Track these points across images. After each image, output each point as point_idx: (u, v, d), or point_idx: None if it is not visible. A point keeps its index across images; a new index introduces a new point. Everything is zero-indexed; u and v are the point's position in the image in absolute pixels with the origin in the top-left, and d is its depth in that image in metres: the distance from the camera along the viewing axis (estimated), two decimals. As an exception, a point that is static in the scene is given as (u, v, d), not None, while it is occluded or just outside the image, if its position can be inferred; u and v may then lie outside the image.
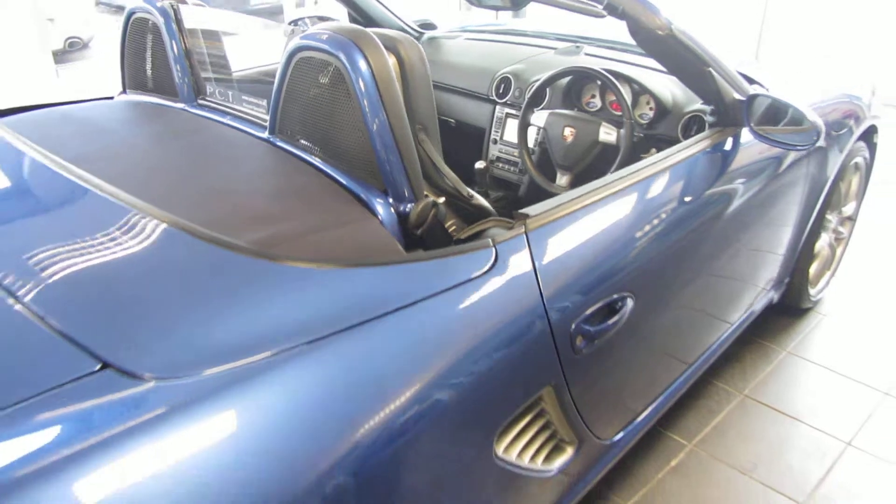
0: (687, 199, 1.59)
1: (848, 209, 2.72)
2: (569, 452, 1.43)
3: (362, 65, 1.26)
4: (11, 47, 4.11)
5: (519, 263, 1.22)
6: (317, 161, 1.41)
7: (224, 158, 1.48)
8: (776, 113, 1.76)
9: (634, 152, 2.01)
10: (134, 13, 1.82)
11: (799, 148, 1.73)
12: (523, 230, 1.27)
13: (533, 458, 1.31)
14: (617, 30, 2.59)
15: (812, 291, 2.66)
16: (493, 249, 1.21)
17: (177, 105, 1.78)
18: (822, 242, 2.61)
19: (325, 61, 1.33)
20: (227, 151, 1.50)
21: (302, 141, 1.46)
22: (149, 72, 1.87)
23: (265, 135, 1.53)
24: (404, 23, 2.81)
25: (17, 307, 0.97)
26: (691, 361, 1.93)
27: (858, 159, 2.56)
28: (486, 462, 1.16)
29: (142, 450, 0.79)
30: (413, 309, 1.06)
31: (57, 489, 0.73)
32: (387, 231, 1.26)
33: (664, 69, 1.85)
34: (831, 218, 2.60)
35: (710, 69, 1.75)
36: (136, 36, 1.85)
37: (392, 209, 1.31)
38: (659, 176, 1.56)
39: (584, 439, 1.46)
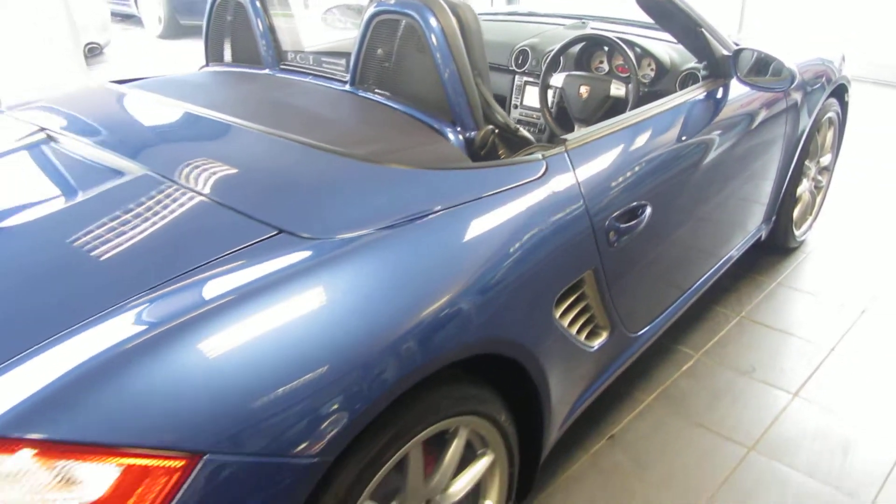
0: (688, 132, 1.95)
1: (825, 160, 3.08)
2: (604, 336, 1.77)
3: (434, 23, 1.60)
4: (49, 50, 4.41)
5: (563, 172, 1.56)
6: (393, 103, 1.75)
7: (321, 103, 1.81)
8: (758, 64, 2.12)
9: (640, 105, 2.36)
10: None
11: (778, 89, 2.09)
12: (564, 149, 1.61)
13: (578, 332, 1.65)
14: (614, 9, 2.97)
15: (797, 232, 3.02)
16: (544, 162, 1.55)
17: (263, 71, 2.11)
18: (803, 188, 2.96)
19: (401, 22, 1.67)
20: (321, 98, 1.84)
21: (377, 90, 1.80)
22: (233, 46, 2.21)
23: (346, 87, 1.86)
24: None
25: (215, 201, 1.31)
26: (698, 276, 2.28)
27: (831, 114, 2.92)
28: (547, 319, 1.49)
29: (309, 282, 1.12)
30: (486, 200, 1.40)
31: (246, 311, 1.05)
32: (458, 148, 1.60)
33: (663, 30, 2.21)
34: (811, 166, 2.95)
35: (702, 29, 2.11)
36: (221, 16, 2.18)
37: (460, 135, 1.64)
38: (666, 114, 1.92)
39: (616, 327, 1.80)
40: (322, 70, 2.01)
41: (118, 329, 1.01)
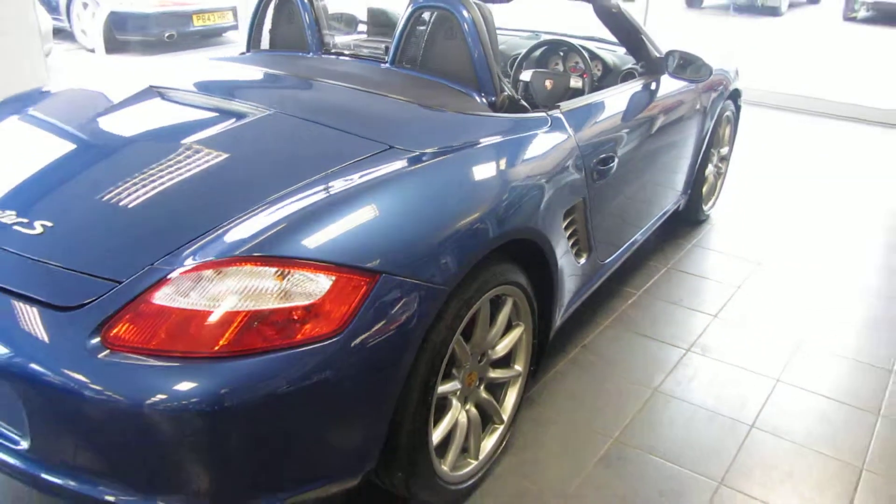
0: (638, 110, 2.61)
1: (724, 150, 3.86)
2: (584, 257, 2.37)
3: (466, 15, 2.17)
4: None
5: (561, 127, 2.16)
6: (427, 76, 2.30)
7: (376, 74, 2.34)
8: (683, 62, 2.81)
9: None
10: None
11: (699, 81, 2.80)
12: (559, 111, 2.21)
13: (571, 248, 2.24)
14: (558, 26, 3.64)
15: (704, 207, 3.76)
16: (548, 118, 2.15)
17: (308, 55, 2.61)
18: (709, 170, 3.72)
19: (437, 14, 2.23)
20: (374, 72, 2.36)
21: (414, 67, 2.34)
22: (280, 35, 2.68)
23: (387, 65, 2.39)
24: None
25: (339, 129, 1.83)
26: (643, 225, 2.93)
27: (728, 113, 3.70)
28: (558, 224, 2.07)
29: (424, 174, 1.68)
30: (516, 139, 1.98)
31: (394, 186, 1.61)
32: (485, 106, 2.17)
33: (613, 35, 2.88)
34: (714, 153, 3.72)
35: (642, 36, 2.79)
36: (268, 10, 2.66)
37: (483, 99, 2.21)
38: (622, 95, 2.57)
39: (592, 252, 2.40)
40: (362, 53, 2.54)
41: (315, 192, 1.53)
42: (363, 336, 1.41)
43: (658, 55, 2.87)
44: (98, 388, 1.31)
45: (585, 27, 3.58)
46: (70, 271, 1.44)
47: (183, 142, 1.83)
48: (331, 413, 1.45)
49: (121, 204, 1.60)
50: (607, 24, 2.79)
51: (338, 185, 1.58)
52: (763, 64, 8.17)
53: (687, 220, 3.74)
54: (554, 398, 2.36)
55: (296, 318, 1.36)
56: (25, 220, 1.55)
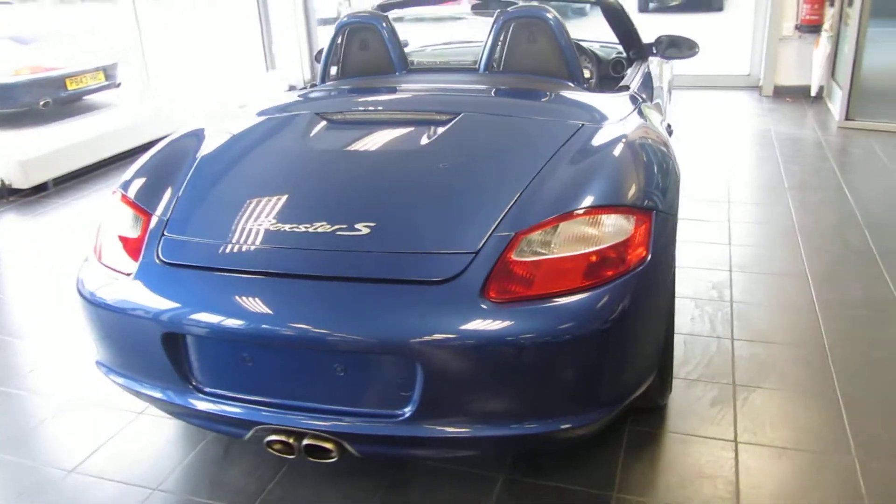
0: (656, 82, 3.21)
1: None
2: None
3: (555, 23, 2.63)
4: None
5: (636, 100, 2.67)
6: (524, 74, 2.72)
7: (486, 80, 2.74)
8: (670, 44, 3.45)
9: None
10: (347, 24, 2.90)
11: (688, 56, 3.44)
12: (630, 91, 2.73)
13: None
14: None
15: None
16: (632, 95, 2.66)
17: (395, 75, 2.90)
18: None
19: (525, 22, 2.66)
20: (480, 78, 2.74)
21: (505, 70, 2.75)
22: (350, 62, 2.94)
23: (481, 72, 2.78)
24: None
25: (537, 118, 2.27)
26: None
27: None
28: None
29: (621, 140, 2.11)
30: (641, 108, 2.49)
31: (622, 153, 2.04)
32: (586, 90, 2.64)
33: (612, 28, 3.45)
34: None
35: (634, 28, 3.40)
36: (349, 39, 2.92)
37: (580, 85, 2.68)
38: (645, 74, 3.15)
39: None
40: (449, 65, 2.91)
41: (572, 159, 1.94)
42: (656, 260, 1.82)
43: (646, 42, 3.49)
44: (497, 336, 1.63)
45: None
46: (422, 254, 1.74)
47: (421, 145, 2.15)
48: (645, 327, 1.85)
49: (419, 199, 1.90)
50: (611, 18, 3.36)
51: (582, 154, 1.98)
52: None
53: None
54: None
55: (618, 253, 1.75)
56: (344, 226, 1.79)
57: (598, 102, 2.42)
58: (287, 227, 1.82)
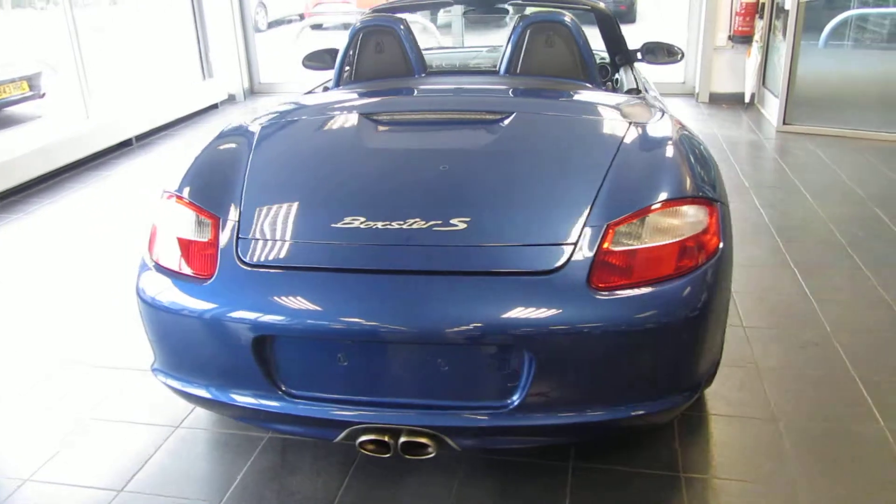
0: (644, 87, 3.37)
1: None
2: None
3: (574, 26, 2.72)
4: None
5: (644, 96, 2.80)
6: (543, 77, 2.79)
7: (510, 83, 2.79)
8: (656, 50, 3.62)
9: None
10: (364, 27, 2.88)
11: (673, 62, 3.62)
12: (638, 90, 2.86)
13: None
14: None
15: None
16: (641, 94, 2.79)
17: (415, 77, 2.91)
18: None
19: (551, 25, 2.74)
20: (504, 81, 2.79)
21: (525, 72, 2.81)
22: (365, 66, 2.93)
23: (501, 74, 2.83)
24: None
25: (584, 116, 2.32)
26: None
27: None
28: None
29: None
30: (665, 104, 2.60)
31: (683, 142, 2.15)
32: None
33: (602, 35, 3.59)
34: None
35: (622, 34, 3.55)
36: (364, 42, 2.90)
37: (597, 86, 2.78)
38: (635, 75, 3.30)
39: None
40: (470, 68, 2.94)
41: (638, 155, 2.04)
42: (726, 247, 1.93)
43: (631, 48, 3.64)
44: (605, 323, 1.69)
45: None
46: (522, 246, 1.77)
47: (487, 143, 2.19)
48: (721, 313, 1.94)
49: (504, 194, 1.94)
50: (602, 25, 3.50)
51: (643, 149, 2.06)
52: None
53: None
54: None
55: (699, 242, 1.85)
56: (439, 222, 1.80)
57: (630, 103, 2.53)
58: (379, 224, 1.81)
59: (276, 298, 1.76)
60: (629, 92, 2.91)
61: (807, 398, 2.43)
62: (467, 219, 1.82)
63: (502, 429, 1.76)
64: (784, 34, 6.76)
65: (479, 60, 3.98)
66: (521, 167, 2.04)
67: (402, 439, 1.75)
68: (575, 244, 1.75)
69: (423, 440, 1.75)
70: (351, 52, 2.95)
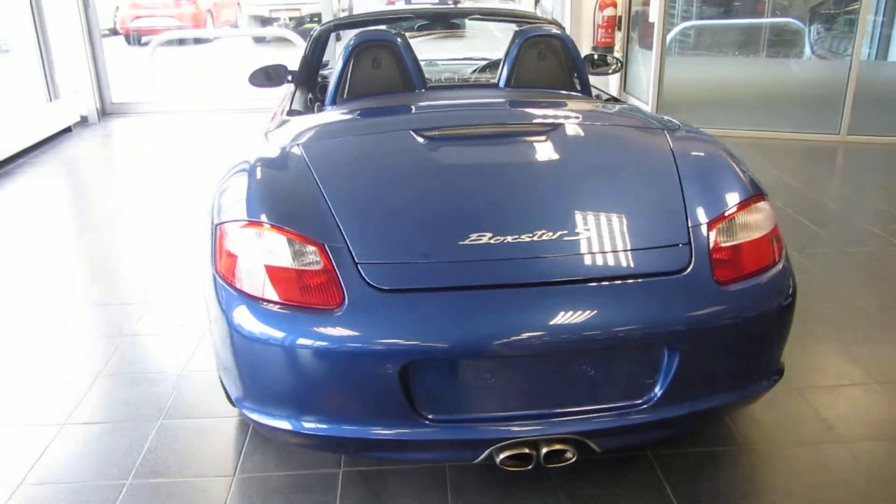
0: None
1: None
2: None
3: (569, 41, 2.86)
4: None
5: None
6: (539, 88, 2.90)
7: (518, 96, 2.85)
8: (598, 61, 3.85)
9: None
10: (361, 42, 2.78)
11: (612, 73, 3.88)
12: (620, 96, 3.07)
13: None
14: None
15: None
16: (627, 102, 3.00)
17: (415, 92, 2.85)
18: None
19: (546, 39, 2.85)
20: (511, 94, 2.84)
21: (525, 84, 2.90)
22: (361, 81, 2.81)
23: (502, 87, 2.89)
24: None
25: (624, 125, 2.44)
26: None
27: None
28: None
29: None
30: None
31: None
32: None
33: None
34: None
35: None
36: (360, 57, 2.80)
37: (591, 100, 2.94)
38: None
39: None
40: (469, 82, 2.96)
41: (688, 160, 2.16)
42: (783, 237, 2.14)
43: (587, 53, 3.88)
44: (733, 314, 1.85)
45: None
46: (647, 249, 1.88)
47: (555, 154, 2.26)
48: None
49: (604, 201, 2.03)
50: None
51: (694, 153, 2.23)
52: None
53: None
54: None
55: (776, 233, 2.05)
56: (565, 231, 1.85)
57: (640, 111, 2.71)
58: (509, 238, 1.80)
59: (421, 322, 1.70)
60: (609, 100, 3.10)
61: (830, 360, 2.73)
62: (587, 227, 1.87)
63: (643, 425, 1.83)
64: (640, 44, 7.44)
65: (470, 74, 3.97)
66: (597, 176, 2.13)
67: (545, 449, 1.77)
68: (689, 244, 1.87)
69: (565, 447, 1.78)
70: (347, 69, 2.85)
